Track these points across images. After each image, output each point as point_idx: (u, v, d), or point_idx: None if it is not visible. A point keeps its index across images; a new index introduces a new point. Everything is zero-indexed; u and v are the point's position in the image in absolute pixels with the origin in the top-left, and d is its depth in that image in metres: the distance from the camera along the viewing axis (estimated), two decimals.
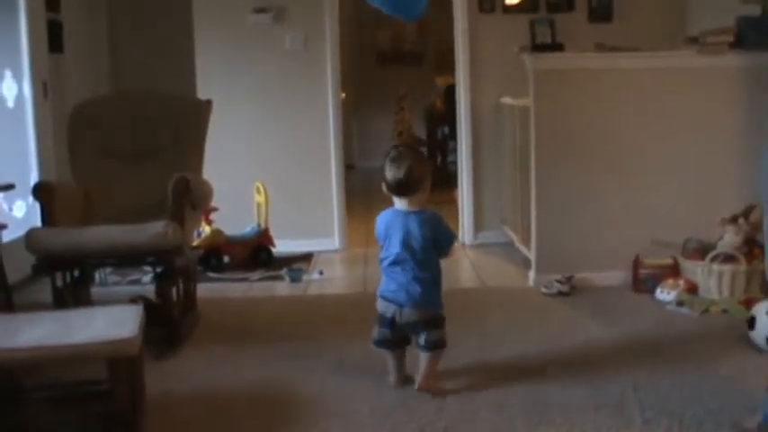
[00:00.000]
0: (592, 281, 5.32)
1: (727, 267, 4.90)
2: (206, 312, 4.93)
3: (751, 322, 4.13)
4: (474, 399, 3.58)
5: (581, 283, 5.29)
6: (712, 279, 4.93)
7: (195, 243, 5.76)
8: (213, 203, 5.37)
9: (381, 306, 3.69)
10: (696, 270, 5.02)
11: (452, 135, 8.52)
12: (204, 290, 5.29)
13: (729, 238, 4.98)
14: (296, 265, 6.13)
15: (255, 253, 6.25)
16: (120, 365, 3.16)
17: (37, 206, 4.57)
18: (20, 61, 5.92)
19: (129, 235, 4.26)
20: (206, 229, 6.14)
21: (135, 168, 4.96)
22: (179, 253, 4.38)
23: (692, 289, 4.99)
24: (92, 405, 3.43)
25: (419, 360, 3.68)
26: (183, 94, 6.22)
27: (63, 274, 4.42)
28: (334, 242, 6.80)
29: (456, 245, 3.79)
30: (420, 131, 11.12)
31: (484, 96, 6.78)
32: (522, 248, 6.00)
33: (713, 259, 4.93)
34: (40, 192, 4.54)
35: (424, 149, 10.86)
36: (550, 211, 5.37)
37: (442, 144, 10.71)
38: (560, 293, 5.18)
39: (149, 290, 4.82)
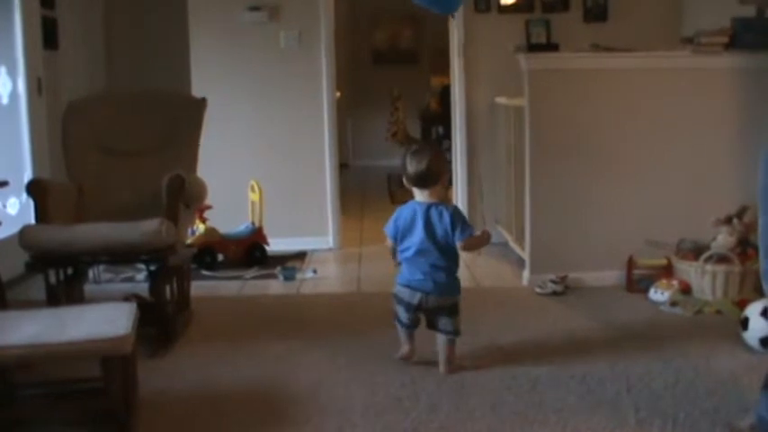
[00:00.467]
0: (586, 281, 5.33)
1: (721, 268, 4.91)
2: (200, 310, 4.92)
3: (744, 323, 4.13)
4: (468, 398, 3.58)
5: (575, 283, 5.29)
6: (706, 280, 4.94)
7: (189, 241, 5.76)
8: (207, 201, 5.36)
9: (406, 294, 3.92)
10: (690, 271, 5.03)
11: (447, 135, 8.53)
12: (198, 288, 5.28)
13: (723, 239, 4.99)
14: (290, 264, 6.13)
15: (249, 251, 6.24)
16: (113, 363, 3.16)
17: (31, 203, 4.56)
18: (14, 58, 5.90)
19: (123, 232, 4.25)
20: (200, 227, 6.14)
21: (129, 166, 4.95)
22: (173, 251, 4.37)
23: (686, 289, 4.99)
24: (85, 403, 3.42)
25: (439, 346, 3.93)
26: (177, 91, 6.22)
27: (56, 271, 4.41)
28: (328, 241, 6.79)
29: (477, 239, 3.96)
30: (415, 131, 11.12)
31: (479, 96, 6.78)
32: (517, 248, 6.01)
33: (707, 260, 4.94)
34: (33, 189, 4.53)
35: None
36: (545, 211, 5.37)
37: (436, 144, 10.72)
38: (554, 293, 5.18)
39: (143, 288, 4.81)
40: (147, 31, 7.61)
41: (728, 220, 4.99)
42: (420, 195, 3.89)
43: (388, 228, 3.99)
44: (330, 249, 6.78)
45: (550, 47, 6.07)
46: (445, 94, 7.98)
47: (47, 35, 6.33)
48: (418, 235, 3.84)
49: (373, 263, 5.94)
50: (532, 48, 6.01)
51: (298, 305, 5.25)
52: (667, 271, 5.19)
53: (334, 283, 5.85)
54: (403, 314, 3.96)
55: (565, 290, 5.21)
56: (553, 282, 5.22)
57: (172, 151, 4.95)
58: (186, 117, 5.08)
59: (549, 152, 5.32)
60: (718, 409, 3.37)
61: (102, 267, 5.72)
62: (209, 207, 5.95)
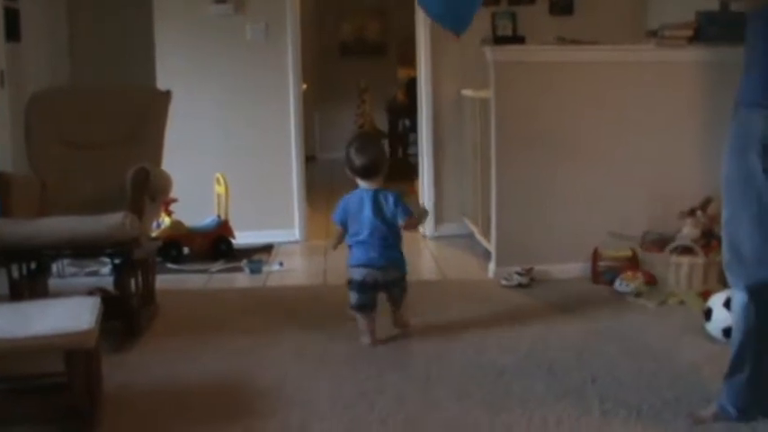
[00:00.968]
0: (551, 273, 5.35)
1: (685, 259, 4.95)
2: (165, 304, 4.89)
3: (708, 314, 4.17)
4: (434, 389, 3.59)
5: (541, 275, 5.31)
6: (670, 271, 4.98)
7: (154, 234, 5.72)
8: (173, 194, 5.35)
9: (361, 274, 4.20)
10: (655, 262, 5.07)
11: (413, 127, 8.53)
12: (163, 281, 5.26)
13: (687, 231, 5.03)
14: (256, 257, 6.11)
15: (215, 244, 6.21)
16: (77, 358, 3.14)
17: None
18: None
19: (87, 226, 4.21)
20: (165, 221, 6.10)
21: (93, 159, 4.92)
22: (137, 244, 4.34)
23: (651, 281, 5.03)
24: (48, 398, 3.39)
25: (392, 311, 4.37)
26: (142, 84, 6.17)
27: (19, 265, 4.36)
28: (295, 234, 6.77)
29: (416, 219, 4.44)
30: (382, 124, 11.11)
31: (445, 89, 6.78)
32: (483, 241, 6.02)
33: (671, 251, 4.98)
34: None
35: (385, 141, 10.90)
36: (510, 203, 5.39)
37: (402, 136, 10.71)
38: (520, 285, 5.20)
39: (108, 281, 4.78)
40: (112, 23, 7.53)
41: (693, 212, 5.03)
42: (365, 184, 4.30)
43: (337, 215, 4.33)
44: (297, 242, 6.76)
45: (516, 39, 6.10)
46: (412, 86, 7.97)
47: (9, 27, 6.24)
48: (369, 217, 4.22)
49: (340, 255, 5.90)
50: (498, 40, 6.03)
51: (264, 298, 5.23)
52: (632, 263, 5.22)
53: (300, 275, 5.84)
54: (358, 297, 4.21)
55: (530, 282, 5.23)
56: (519, 274, 5.24)
57: (136, 144, 4.92)
58: (151, 110, 5.05)
59: (515, 144, 5.34)
60: (680, 399, 3.41)
61: (66, 261, 5.66)
62: (174, 200, 5.92)
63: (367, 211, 4.22)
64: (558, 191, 5.38)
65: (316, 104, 11.86)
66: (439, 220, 6.90)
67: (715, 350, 3.95)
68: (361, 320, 4.24)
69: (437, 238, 6.82)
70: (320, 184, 9.04)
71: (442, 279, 5.65)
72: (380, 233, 4.21)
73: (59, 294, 4.18)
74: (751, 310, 3.05)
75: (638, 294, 4.89)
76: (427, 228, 6.90)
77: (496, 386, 3.61)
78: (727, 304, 4.02)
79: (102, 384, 3.48)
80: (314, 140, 12.09)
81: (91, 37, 7.57)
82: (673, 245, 4.99)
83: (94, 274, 5.73)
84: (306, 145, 7.03)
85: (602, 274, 5.23)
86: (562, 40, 5.57)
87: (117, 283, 4.41)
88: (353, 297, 4.22)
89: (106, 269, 5.56)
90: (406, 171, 9.90)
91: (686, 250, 4.97)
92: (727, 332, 4.01)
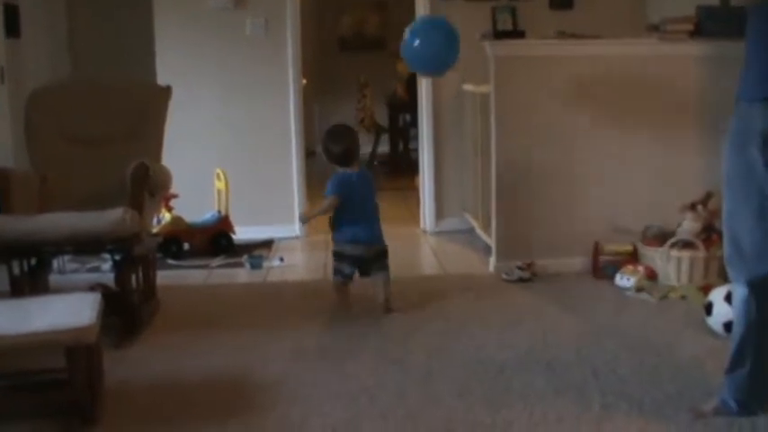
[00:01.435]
0: (552, 267, 5.35)
1: (686, 254, 4.95)
2: (165, 300, 4.90)
3: (708, 308, 4.17)
4: (435, 385, 3.59)
5: (541, 269, 5.31)
6: (671, 265, 4.98)
7: (155, 230, 5.72)
8: (173, 190, 5.35)
9: (353, 248, 4.65)
10: (655, 256, 5.07)
11: (414, 122, 8.52)
12: (164, 277, 5.25)
13: (688, 225, 5.03)
14: (256, 252, 6.11)
15: (216, 240, 6.21)
16: (77, 354, 3.14)
17: None
18: None
19: (88, 222, 4.21)
20: (166, 216, 6.10)
21: (93, 155, 4.91)
22: (138, 240, 4.34)
23: (652, 275, 5.03)
24: (49, 393, 3.39)
25: (379, 288, 4.71)
26: (142, 79, 6.16)
27: (20, 261, 4.36)
28: (295, 229, 6.76)
29: None
30: (382, 119, 11.09)
31: (445, 83, 6.76)
32: (483, 235, 6.02)
33: (672, 246, 4.98)
34: None
35: (385, 136, 10.90)
36: (511, 197, 5.38)
37: (403, 131, 10.71)
38: (521, 280, 5.20)
39: (109, 277, 4.78)
40: (111, 18, 7.53)
41: (693, 207, 5.03)
42: (347, 169, 4.71)
43: (335, 188, 4.66)
44: (297, 237, 6.75)
45: (516, 34, 6.07)
46: (412, 80, 7.96)
47: (9, 23, 6.24)
48: (360, 197, 4.67)
49: None
50: (498, 35, 6.01)
51: (265, 293, 5.24)
52: (633, 257, 5.22)
53: (301, 270, 5.84)
54: (347, 268, 4.67)
55: (531, 276, 5.23)
56: (520, 268, 5.24)
57: (136, 140, 4.91)
58: (151, 105, 5.05)
59: (515, 139, 5.34)
60: (682, 393, 3.40)
61: (66, 257, 5.67)
62: (174, 196, 5.92)
63: (359, 192, 4.67)
64: (558, 185, 5.37)
65: (316, 99, 11.85)
66: (439, 215, 6.90)
67: (716, 344, 3.95)
68: (339, 288, 4.72)
69: (437, 233, 6.82)
70: (320, 180, 9.00)
71: (443, 274, 5.65)
72: (369, 210, 4.72)
73: (60, 290, 4.19)
74: (752, 304, 3.06)
75: (638, 289, 4.89)
76: (428, 223, 6.90)
77: (497, 382, 3.61)
78: (728, 298, 4.02)
79: (103, 380, 3.48)
80: (314, 136, 12.08)
81: (90, 32, 7.58)
82: (673, 239, 4.99)
83: (95, 270, 5.72)
84: (306, 140, 7.02)
85: (603, 268, 5.23)
86: (562, 35, 5.56)
87: (117, 279, 4.41)
88: (344, 267, 4.67)
89: (107, 265, 5.55)
90: (406, 166, 9.92)
91: (687, 245, 4.97)
92: (728, 326, 4.00)
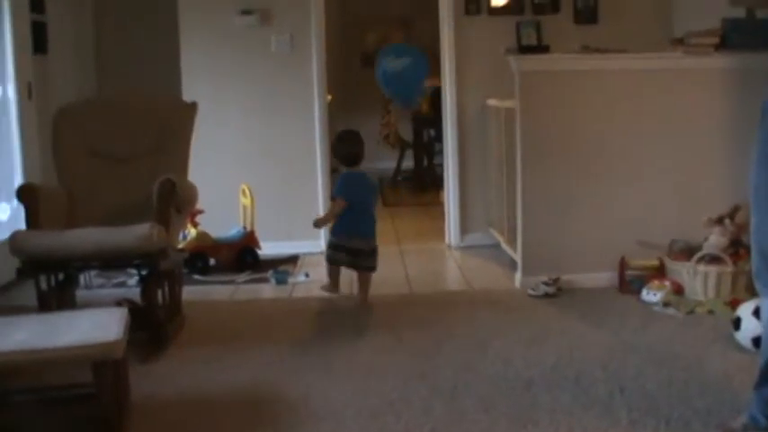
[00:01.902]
0: (578, 282, 5.33)
1: (713, 268, 4.91)
2: (191, 315, 4.91)
3: (737, 323, 4.13)
4: (461, 400, 3.58)
5: (567, 284, 5.29)
6: (698, 280, 4.95)
7: (181, 245, 5.74)
8: (199, 206, 5.36)
9: (352, 242, 5.11)
10: (682, 271, 5.03)
11: (438, 137, 8.52)
12: (190, 292, 5.27)
13: (715, 240, 4.99)
14: (282, 268, 6.12)
15: (241, 255, 6.22)
16: (104, 368, 3.15)
17: (21, 209, 4.55)
18: (4, 63, 5.88)
19: (114, 237, 4.23)
20: (192, 232, 6.12)
21: (120, 170, 4.95)
22: (164, 255, 4.36)
23: (678, 290, 5.00)
24: (76, 408, 3.41)
25: (360, 280, 5.20)
26: (168, 96, 6.20)
27: (48, 276, 4.39)
28: (320, 244, 6.75)
29: None
30: (406, 134, 11.11)
31: (470, 98, 6.78)
32: (509, 250, 6.00)
33: (699, 260, 4.95)
34: (24, 194, 4.52)
35: (410, 152, 10.90)
36: (536, 212, 5.37)
37: (428, 146, 10.72)
38: (547, 295, 5.18)
39: (135, 292, 4.79)
40: (138, 35, 7.59)
41: (720, 221, 4.99)
42: (352, 169, 5.24)
43: (342, 189, 5.17)
44: (322, 253, 6.72)
45: (541, 48, 6.08)
46: (436, 96, 7.97)
47: (36, 39, 6.31)
48: (365, 195, 5.22)
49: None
50: (523, 49, 6.01)
51: (290, 309, 5.24)
52: (659, 272, 5.19)
53: (325, 285, 5.82)
54: (344, 258, 5.14)
55: (557, 291, 5.21)
56: (545, 283, 5.22)
57: (163, 156, 4.95)
58: (177, 121, 5.08)
59: (541, 153, 5.33)
60: (710, 409, 3.37)
61: (93, 273, 5.70)
62: (200, 211, 5.94)
63: (364, 190, 5.22)
64: (584, 200, 5.36)
65: (340, 115, 11.88)
66: (464, 230, 6.90)
67: (744, 360, 3.91)
68: (332, 273, 5.23)
69: (462, 248, 6.81)
70: None
71: (468, 289, 5.63)
72: (370, 207, 5.24)
73: (87, 305, 4.20)
74: None
75: (665, 304, 4.86)
76: (453, 238, 6.89)
77: (523, 397, 3.59)
78: (757, 313, 3.99)
79: (130, 395, 3.50)
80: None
81: (117, 49, 7.64)
82: (700, 254, 4.96)
83: (121, 285, 5.75)
84: (331, 156, 7.03)
85: (630, 283, 5.21)
86: (587, 49, 5.55)
87: (144, 295, 4.42)
88: (340, 257, 5.15)
89: (133, 280, 5.59)
90: (431, 181, 9.92)
91: (714, 259, 4.93)
92: (756, 341, 3.97)
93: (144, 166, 4.89)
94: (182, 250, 5.59)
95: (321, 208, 6.77)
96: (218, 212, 6.26)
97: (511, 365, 3.98)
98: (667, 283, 5.01)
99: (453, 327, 4.63)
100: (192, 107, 5.13)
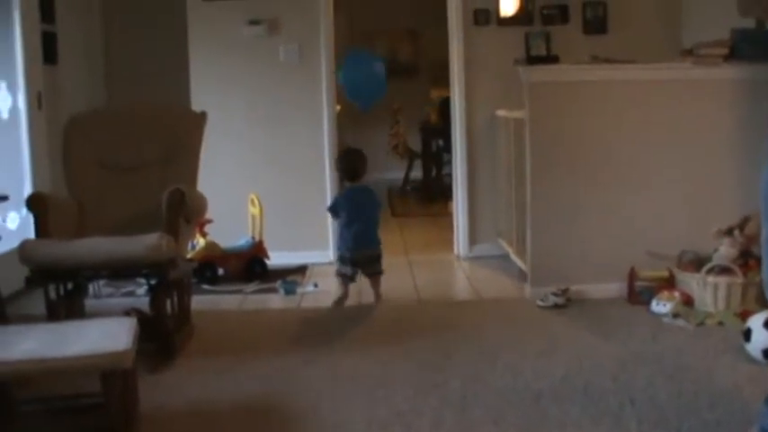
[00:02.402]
0: (587, 293, 5.31)
1: (723, 279, 4.90)
2: (200, 325, 4.91)
3: (747, 334, 4.12)
4: (471, 412, 3.56)
5: (577, 295, 5.28)
6: (708, 291, 4.93)
7: (189, 255, 5.75)
8: (207, 215, 5.36)
9: (354, 254, 5.37)
10: (692, 282, 5.02)
11: (447, 148, 8.52)
12: (198, 302, 5.27)
13: (725, 251, 4.97)
14: (290, 278, 6.12)
15: (250, 265, 6.23)
16: (113, 378, 3.15)
17: (30, 218, 4.56)
18: (14, 72, 5.90)
19: (124, 247, 4.24)
20: (200, 242, 6.13)
21: (129, 180, 4.96)
22: (173, 265, 4.36)
23: (688, 301, 4.98)
24: (85, 418, 3.41)
25: (372, 284, 5.50)
26: (177, 105, 6.21)
27: (56, 286, 4.40)
28: (329, 254, 6.76)
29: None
30: (415, 144, 11.12)
31: (479, 109, 6.78)
32: (518, 261, 5.99)
33: (709, 271, 4.93)
34: (33, 203, 4.53)
35: (418, 162, 10.90)
36: (546, 223, 5.36)
37: (436, 157, 10.72)
38: (556, 306, 5.17)
39: (144, 302, 4.79)
40: (147, 44, 7.61)
41: (730, 232, 4.98)
42: (350, 184, 5.54)
43: (331, 207, 5.69)
44: (331, 263, 6.73)
45: (550, 59, 6.08)
46: (445, 106, 7.97)
47: (47, 49, 6.33)
48: (356, 208, 5.40)
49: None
50: (532, 60, 6.02)
51: (299, 319, 5.23)
52: (669, 283, 5.17)
53: (335, 296, 5.81)
54: (349, 270, 5.38)
55: (566, 302, 5.20)
56: (555, 294, 5.21)
57: (172, 165, 4.95)
58: (186, 131, 5.09)
59: (550, 164, 5.32)
60: (720, 421, 3.36)
61: (102, 282, 5.70)
62: (209, 221, 5.95)
63: (363, 205, 5.44)
64: (593, 210, 5.35)
65: (349, 126, 11.89)
66: (473, 241, 6.89)
67: (755, 371, 3.90)
68: (343, 284, 5.41)
69: (471, 259, 6.80)
70: None
71: (477, 299, 5.63)
72: (370, 220, 5.44)
73: (95, 315, 4.20)
74: None
75: (675, 315, 4.84)
76: (462, 248, 6.89)
77: (533, 409, 3.57)
78: (767, 325, 3.98)
79: (138, 405, 3.49)
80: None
81: (126, 59, 7.66)
82: (710, 265, 4.94)
83: (130, 294, 5.76)
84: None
85: (639, 294, 5.19)
86: (596, 59, 5.55)
87: (153, 304, 4.42)
88: (347, 270, 5.39)
89: (142, 290, 5.59)
90: (440, 192, 9.91)
91: (724, 270, 4.92)
92: (766, 353, 3.97)
93: (153, 175, 4.90)
94: (190, 260, 5.60)
95: (329, 218, 6.75)
96: (227, 222, 6.27)
97: (520, 376, 3.97)
98: (677, 294, 4.99)
99: (462, 337, 4.62)
100: (202, 117, 5.14)
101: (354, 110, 11.98)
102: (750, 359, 4.07)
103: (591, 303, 5.21)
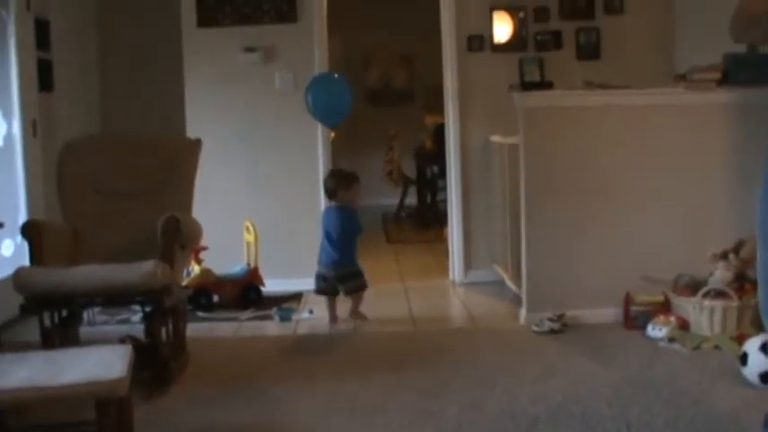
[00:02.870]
0: (583, 318, 5.31)
1: (719, 303, 4.90)
2: (195, 352, 4.89)
3: (743, 358, 4.11)
4: None
5: (572, 320, 5.27)
6: (704, 315, 4.93)
7: (185, 282, 5.73)
8: (203, 242, 5.36)
9: (321, 269, 5.70)
10: (687, 306, 5.01)
11: (442, 174, 8.53)
12: (193, 329, 5.25)
13: (720, 274, 4.98)
14: (286, 305, 6.10)
15: (245, 292, 6.22)
16: (108, 406, 3.13)
17: (25, 245, 4.55)
18: (9, 100, 5.92)
19: (119, 274, 4.23)
20: (195, 269, 6.12)
21: (124, 207, 4.95)
22: (168, 292, 4.35)
23: (684, 325, 4.98)
24: None
25: (349, 300, 5.69)
26: (172, 132, 6.23)
27: (51, 313, 4.38)
28: None
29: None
30: (410, 170, 11.14)
31: (473, 135, 6.80)
32: (513, 286, 5.99)
33: (704, 295, 4.93)
34: (28, 230, 4.53)
35: (413, 188, 10.92)
36: (541, 248, 5.36)
37: (431, 183, 10.73)
38: (552, 331, 5.16)
39: (139, 329, 4.77)
40: (142, 71, 7.62)
41: (725, 255, 4.99)
42: (329, 202, 5.85)
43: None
44: None
45: (544, 85, 6.10)
46: (439, 132, 7.99)
47: (42, 77, 6.35)
48: (330, 227, 5.66)
49: (370, 302, 5.91)
50: (526, 86, 6.03)
51: (294, 346, 5.22)
52: (665, 307, 5.17)
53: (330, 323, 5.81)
54: (320, 284, 5.67)
55: (562, 328, 5.19)
56: (550, 320, 5.20)
57: (167, 193, 4.95)
58: (181, 158, 5.09)
59: (545, 189, 5.33)
60: None
61: (97, 309, 5.69)
62: (204, 248, 5.94)
63: (333, 223, 5.65)
64: (588, 235, 5.35)
65: (344, 152, 11.91)
66: (468, 267, 6.89)
67: (752, 395, 3.89)
68: (328, 305, 5.69)
69: (466, 285, 6.80)
70: None
71: (472, 325, 5.62)
72: (340, 239, 5.62)
73: (90, 342, 4.18)
74: None
75: (671, 339, 4.84)
76: (457, 274, 6.88)
77: None
78: (764, 348, 4.00)
79: None
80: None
81: (122, 86, 7.68)
82: (705, 289, 4.94)
83: (125, 322, 5.74)
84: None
85: (635, 318, 5.19)
86: (590, 85, 5.58)
87: (148, 331, 4.41)
88: (318, 284, 5.71)
89: (137, 317, 5.57)
90: (434, 218, 9.92)
91: (719, 294, 4.92)
92: (763, 377, 3.97)
93: (148, 202, 4.89)
94: (186, 287, 5.58)
95: None
96: (222, 249, 6.27)
97: (516, 402, 3.96)
98: (673, 319, 4.99)
99: (458, 363, 4.61)
100: (197, 144, 5.15)
101: (350, 137, 12.03)
102: (747, 383, 4.07)
103: (587, 328, 5.21)
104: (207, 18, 6.68)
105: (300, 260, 6.70)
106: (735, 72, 5.27)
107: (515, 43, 6.75)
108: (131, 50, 7.69)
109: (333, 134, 7.30)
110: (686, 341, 4.80)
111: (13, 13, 5.92)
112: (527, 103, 5.35)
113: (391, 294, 6.37)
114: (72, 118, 6.98)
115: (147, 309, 4.44)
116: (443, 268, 7.16)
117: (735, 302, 4.86)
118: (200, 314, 5.98)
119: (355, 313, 5.67)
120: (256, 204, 6.67)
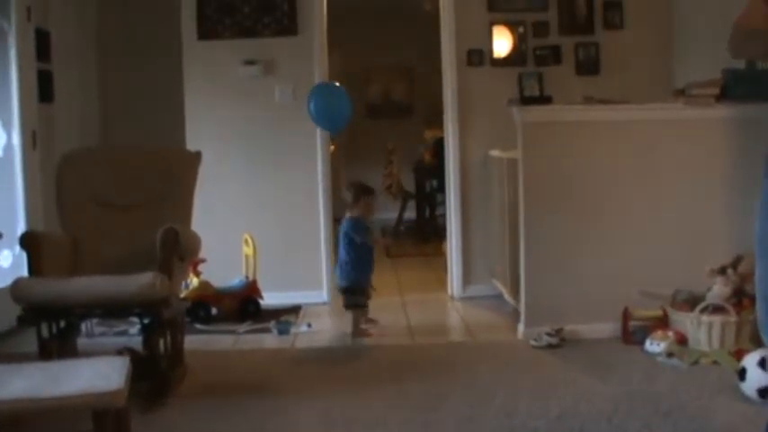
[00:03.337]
0: (581, 333, 5.30)
1: (717, 318, 4.89)
2: (193, 365, 4.88)
3: (742, 373, 4.11)
4: None
5: (570, 335, 5.26)
6: (702, 330, 4.92)
7: (183, 294, 5.73)
8: (201, 255, 5.35)
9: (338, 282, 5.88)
10: (685, 321, 5.01)
11: (441, 188, 8.54)
12: (191, 342, 5.24)
13: (718, 290, 4.98)
14: (284, 318, 6.10)
15: (243, 305, 6.21)
16: (105, 418, 3.12)
17: (24, 256, 4.55)
18: (9, 111, 5.92)
19: (117, 286, 4.23)
20: (194, 281, 6.12)
21: (123, 219, 4.95)
22: (167, 304, 4.35)
23: (682, 340, 4.97)
24: None
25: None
26: (171, 145, 6.23)
27: (49, 324, 4.37)
28: (323, 295, 6.76)
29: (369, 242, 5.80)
30: (409, 184, 11.14)
31: (473, 149, 6.81)
32: (511, 301, 5.99)
33: (702, 310, 4.93)
34: (27, 241, 4.53)
35: (412, 202, 10.92)
36: (539, 263, 5.36)
37: (430, 197, 10.74)
38: (550, 346, 5.16)
39: (137, 341, 4.77)
40: (143, 83, 7.63)
41: (723, 271, 4.99)
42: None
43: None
44: (325, 303, 6.74)
45: (544, 99, 6.11)
46: (439, 146, 8.00)
47: (42, 88, 6.36)
48: (340, 240, 5.78)
49: (369, 316, 5.91)
50: (526, 100, 6.05)
51: (292, 359, 5.22)
52: (663, 322, 5.17)
53: (328, 336, 5.81)
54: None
55: (560, 342, 5.18)
56: (549, 334, 5.19)
57: (166, 205, 4.94)
58: (180, 170, 5.09)
59: (544, 204, 5.33)
60: None
61: (95, 321, 5.68)
62: (202, 260, 5.94)
63: (340, 233, 5.80)
64: (587, 250, 5.35)
65: (343, 165, 11.93)
66: (467, 281, 6.89)
67: (750, 410, 3.89)
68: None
69: (465, 299, 6.79)
70: None
71: (471, 340, 5.61)
72: (343, 254, 5.70)
73: (88, 354, 4.17)
74: None
75: (669, 354, 4.83)
76: (455, 288, 6.88)
77: None
78: (762, 364, 3.99)
79: None
80: (341, 202, 12.13)
81: (122, 98, 7.68)
82: (703, 304, 4.94)
83: (123, 333, 5.73)
84: (333, 206, 7.03)
85: (633, 333, 5.18)
86: (589, 100, 5.59)
87: (146, 344, 4.40)
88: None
89: (135, 329, 5.56)
90: (433, 232, 9.92)
91: (717, 309, 4.92)
92: (762, 392, 3.96)
93: (147, 214, 4.89)
94: (184, 299, 5.58)
95: (324, 258, 6.77)
96: (221, 262, 6.26)
97: (515, 417, 3.95)
98: (671, 334, 4.99)
99: (456, 378, 4.60)
100: (196, 156, 5.15)
101: (349, 150, 12.06)
102: (745, 398, 4.06)
103: (585, 343, 5.20)
104: (207, 30, 6.69)
105: (299, 273, 6.72)
106: (733, 87, 5.28)
107: (515, 58, 6.76)
108: (132, 62, 7.69)
109: (333, 147, 7.31)
110: (684, 356, 4.80)
111: (13, 24, 5.93)
112: (526, 118, 5.35)
113: (390, 308, 6.37)
114: (72, 129, 6.99)
115: (146, 321, 4.44)
116: (442, 282, 7.16)
117: (733, 317, 4.86)
118: (199, 326, 5.97)
119: (357, 332, 5.65)
120: (255, 217, 6.67)
